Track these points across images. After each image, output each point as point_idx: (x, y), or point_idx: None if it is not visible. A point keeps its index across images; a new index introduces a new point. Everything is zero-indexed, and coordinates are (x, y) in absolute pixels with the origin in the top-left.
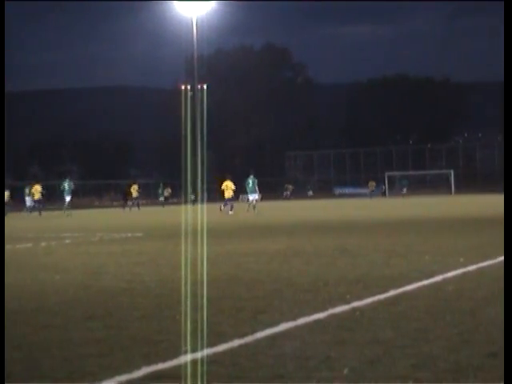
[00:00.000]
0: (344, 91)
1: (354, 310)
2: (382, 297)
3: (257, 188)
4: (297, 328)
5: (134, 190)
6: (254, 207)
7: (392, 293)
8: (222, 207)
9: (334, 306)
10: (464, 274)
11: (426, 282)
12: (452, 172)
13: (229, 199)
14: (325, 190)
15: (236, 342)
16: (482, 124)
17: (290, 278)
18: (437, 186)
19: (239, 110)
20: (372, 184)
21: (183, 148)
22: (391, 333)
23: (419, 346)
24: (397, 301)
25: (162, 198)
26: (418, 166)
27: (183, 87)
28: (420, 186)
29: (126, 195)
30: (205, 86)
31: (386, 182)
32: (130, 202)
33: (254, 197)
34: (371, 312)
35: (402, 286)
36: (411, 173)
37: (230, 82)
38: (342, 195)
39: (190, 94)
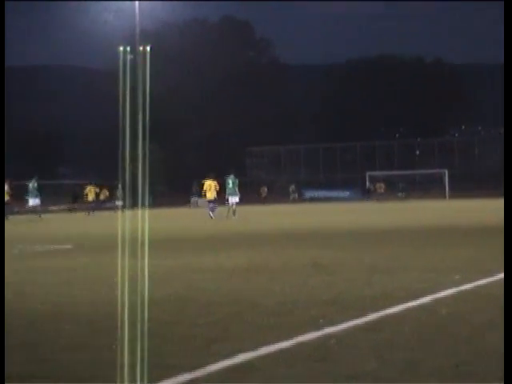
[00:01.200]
0: (318, 74)
1: (329, 337)
2: (361, 321)
3: (237, 189)
4: (258, 359)
5: (91, 193)
6: (234, 212)
7: (374, 316)
8: (211, 214)
9: (303, 332)
10: (459, 293)
11: (414, 304)
12: (446, 172)
13: (212, 201)
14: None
15: (185, 377)
16: (481, 115)
17: (252, 298)
18: (428, 188)
19: (191, 97)
20: (380, 186)
21: (120, 138)
22: (373, 364)
23: (407, 380)
24: (379, 326)
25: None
26: (406, 164)
27: (121, 48)
28: (408, 188)
29: (77, 198)
30: (148, 48)
31: (368, 182)
32: (89, 206)
33: (234, 199)
34: (349, 339)
35: (386, 309)
36: (397, 172)
37: (180, 62)
38: (314, 199)
39: (129, 57)
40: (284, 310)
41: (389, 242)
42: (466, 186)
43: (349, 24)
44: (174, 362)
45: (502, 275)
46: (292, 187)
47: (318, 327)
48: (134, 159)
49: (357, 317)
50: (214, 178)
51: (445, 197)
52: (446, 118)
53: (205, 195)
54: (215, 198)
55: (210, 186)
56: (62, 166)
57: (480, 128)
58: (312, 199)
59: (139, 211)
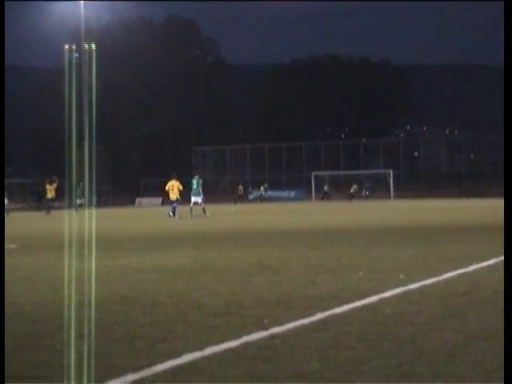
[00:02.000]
0: (263, 74)
1: (273, 337)
2: (306, 321)
3: (201, 190)
4: (203, 359)
5: (50, 191)
6: (204, 210)
7: (319, 316)
8: (170, 213)
9: (248, 332)
10: (404, 293)
11: (359, 304)
12: (391, 172)
13: (174, 201)
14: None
15: (130, 377)
16: (427, 116)
17: (197, 299)
18: (373, 188)
19: (136, 96)
20: (355, 187)
21: (66, 137)
22: (317, 364)
23: (350, 380)
24: (324, 326)
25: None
26: (351, 164)
27: (66, 47)
28: (371, 187)
29: (42, 197)
30: (93, 46)
31: (313, 182)
32: (43, 205)
33: (197, 199)
34: (294, 339)
35: (331, 309)
36: (342, 172)
37: (125, 61)
38: (259, 199)
39: (75, 55)
40: (229, 310)
41: (334, 242)
42: (411, 186)
43: (295, 24)
44: (120, 362)
45: (448, 275)
46: (265, 185)
47: (263, 327)
48: (80, 158)
49: (302, 317)
50: (177, 178)
51: (389, 197)
52: (391, 119)
53: (167, 195)
54: (177, 198)
55: (173, 186)
56: (8, 165)
57: (425, 129)
58: (257, 199)
59: (86, 211)
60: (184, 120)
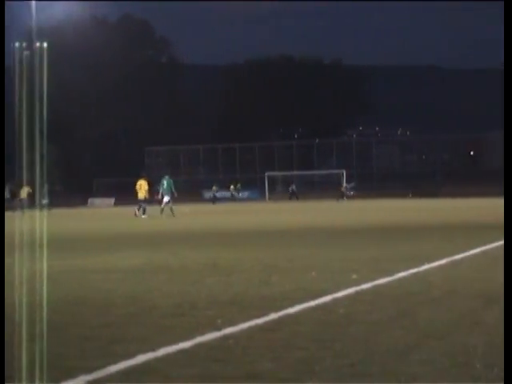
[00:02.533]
0: (217, 74)
1: (227, 337)
2: (259, 321)
3: (173, 189)
4: (157, 360)
5: (24, 192)
6: (172, 210)
7: (272, 316)
8: (137, 211)
9: (202, 333)
10: (357, 293)
11: (312, 304)
12: (344, 172)
13: (142, 201)
14: (193, 192)
15: (84, 378)
16: (379, 116)
17: (150, 299)
18: (327, 188)
19: (88, 95)
20: (346, 186)
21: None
22: (270, 364)
23: (303, 380)
24: (277, 326)
25: None
26: (305, 164)
27: (17, 44)
28: (307, 188)
29: (14, 196)
30: (44, 45)
31: (267, 183)
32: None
33: (167, 199)
34: (247, 340)
35: (284, 309)
36: (296, 173)
37: (78, 60)
38: (213, 199)
39: (25, 53)
40: (182, 311)
41: (288, 242)
42: (364, 186)
43: (249, 24)
44: (73, 363)
45: (399, 275)
46: (238, 186)
47: (217, 327)
48: (31, 158)
49: (255, 317)
50: (146, 178)
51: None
52: (344, 119)
53: (136, 195)
54: (146, 198)
55: (141, 186)
56: None
57: (377, 129)
58: (211, 199)
59: (37, 212)
60: (137, 120)
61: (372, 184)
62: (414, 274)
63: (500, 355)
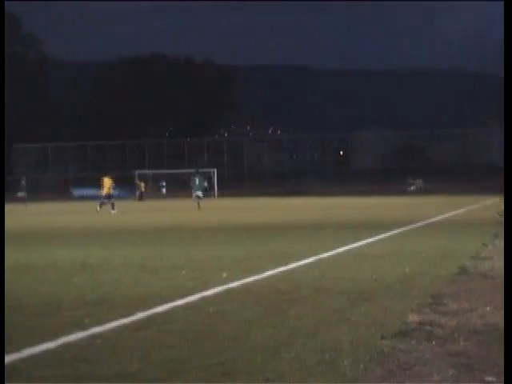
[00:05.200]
0: (88, 71)
1: (94, 337)
2: (128, 320)
3: (206, 186)
4: (21, 361)
5: None
6: (199, 204)
7: (140, 315)
8: (98, 208)
9: (68, 332)
10: (227, 291)
11: (181, 302)
12: (215, 171)
13: (103, 197)
14: (62, 190)
15: None
16: (251, 116)
17: (16, 299)
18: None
19: None
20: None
21: None
22: (139, 364)
23: (173, 379)
24: (146, 325)
25: None
26: (176, 163)
27: None
28: (177, 186)
29: None
30: None
31: (137, 180)
32: None
33: (200, 194)
34: (115, 339)
35: (153, 308)
36: (166, 171)
37: None
38: (82, 197)
39: None
40: (49, 311)
41: (157, 240)
42: (235, 185)
43: (121, 22)
44: None
45: (268, 273)
46: (162, 183)
47: (84, 327)
48: None
49: (124, 316)
50: (111, 177)
51: (214, 195)
52: (215, 118)
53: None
54: (108, 194)
55: (107, 183)
56: None
57: (249, 128)
58: (80, 197)
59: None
60: (5, 117)
61: (243, 183)
62: (283, 273)
63: (366, 352)
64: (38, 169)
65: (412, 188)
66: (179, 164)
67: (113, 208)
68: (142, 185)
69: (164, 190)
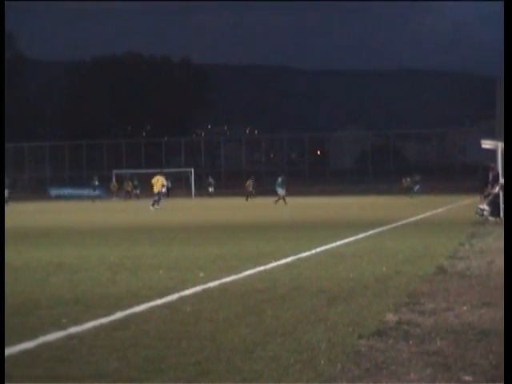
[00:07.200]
0: (64, 71)
1: (71, 336)
2: (105, 320)
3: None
4: None
5: None
6: (277, 201)
7: (118, 315)
8: (151, 207)
9: (46, 332)
10: (204, 291)
11: (159, 302)
12: (192, 170)
13: (156, 194)
14: (38, 190)
15: None
16: (228, 115)
17: None
18: (174, 186)
19: None
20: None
21: None
22: (116, 364)
23: (150, 379)
24: (123, 325)
25: None
26: (153, 162)
27: None
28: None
29: None
30: None
31: (114, 179)
32: None
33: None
34: (92, 339)
35: (131, 307)
36: (143, 171)
37: None
38: (60, 197)
39: None
40: (26, 311)
41: (135, 240)
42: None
43: (98, 20)
44: None
45: (246, 272)
46: (134, 182)
47: (61, 327)
48: None
49: (101, 316)
50: (163, 174)
51: (191, 195)
52: (192, 118)
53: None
54: (160, 192)
55: (158, 181)
56: None
57: (226, 128)
58: (58, 197)
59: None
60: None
61: (220, 182)
62: (261, 272)
63: (343, 351)
64: (15, 169)
65: (417, 188)
66: (157, 163)
67: (153, 204)
68: (130, 184)
69: (138, 191)
